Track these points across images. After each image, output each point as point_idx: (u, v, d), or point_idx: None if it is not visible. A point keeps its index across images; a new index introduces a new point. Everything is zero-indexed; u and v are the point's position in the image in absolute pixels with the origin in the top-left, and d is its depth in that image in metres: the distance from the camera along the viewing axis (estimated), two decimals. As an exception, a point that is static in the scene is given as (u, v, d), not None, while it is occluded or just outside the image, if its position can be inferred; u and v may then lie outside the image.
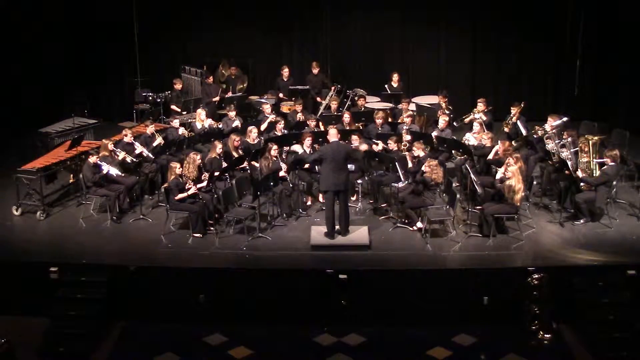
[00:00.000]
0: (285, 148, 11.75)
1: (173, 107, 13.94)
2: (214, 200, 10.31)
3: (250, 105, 14.32)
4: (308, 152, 11.09)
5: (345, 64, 15.75)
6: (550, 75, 15.59)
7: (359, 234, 9.95)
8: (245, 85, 15.06)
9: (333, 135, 9.91)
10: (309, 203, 11.12)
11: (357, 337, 8.91)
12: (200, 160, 10.28)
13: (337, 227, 9.87)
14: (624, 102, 14.57)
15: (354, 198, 11.07)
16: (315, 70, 14.61)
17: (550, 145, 11.01)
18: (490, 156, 10.84)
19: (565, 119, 11.77)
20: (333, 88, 14.06)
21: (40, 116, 13.43)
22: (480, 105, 12.78)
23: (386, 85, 14.29)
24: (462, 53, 15.70)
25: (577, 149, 10.71)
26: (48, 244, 10.04)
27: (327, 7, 15.44)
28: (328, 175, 9.66)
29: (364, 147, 10.85)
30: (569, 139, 10.84)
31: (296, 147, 11.48)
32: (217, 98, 14.15)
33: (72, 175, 11.58)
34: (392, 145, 11.26)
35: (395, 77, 14.31)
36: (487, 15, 15.35)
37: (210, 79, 14.43)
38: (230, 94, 14.51)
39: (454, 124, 12.44)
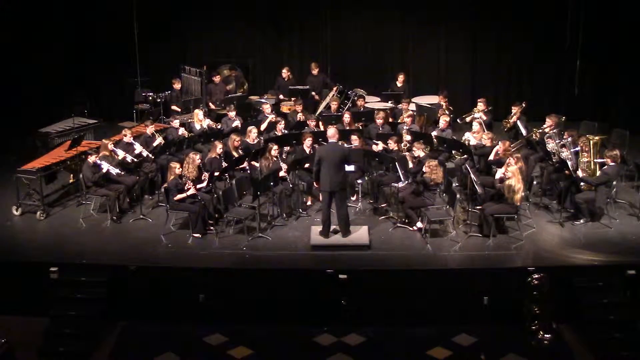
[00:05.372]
0: (286, 148, 11.76)
1: (174, 107, 13.95)
2: (214, 200, 10.31)
3: (250, 105, 14.33)
4: (308, 152, 11.09)
5: (345, 64, 15.76)
6: (550, 75, 15.59)
7: (359, 234, 9.95)
8: (232, 89, 14.96)
9: (331, 135, 9.90)
10: (309, 203, 11.11)
11: (357, 337, 8.91)
12: (200, 160, 10.27)
13: (335, 227, 9.88)
14: (624, 102, 14.57)
15: (354, 198, 11.07)
16: (315, 71, 14.61)
17: (550, 145, 11.01)
18: (491, 157, 10.84)
19: (563, 118, 11.81)
20: (335, 88, 14.06)
21: (40, 116, 13.43)
22: (480, 105, 12.80)
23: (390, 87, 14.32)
24: (462, 53, 15.71)
25: (577, 148, 10.71)
26: (48, 244, 10.02)
27: (327, 7, 15.44)
28: (324, 175, 9.65)
29: (356, 142, 10.89)
30: (569, 139, 10.84)
31: None
32: (211, 106, 14.14)
33: (72, 175, 11.58)
34: (393, 145, 11.26)
35: (401, 77, 14.33)
36: (487, 15, 15.35)
37: (218, 78, 14.43)
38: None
39: (457, 120, 12.43)
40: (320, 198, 10.89)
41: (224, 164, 10.88)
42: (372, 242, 9.78)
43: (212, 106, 14.19)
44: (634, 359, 8.50)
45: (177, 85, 14.21)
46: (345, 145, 10.83)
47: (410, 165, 10.65)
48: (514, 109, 12.37)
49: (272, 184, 10.28)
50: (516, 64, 15.59)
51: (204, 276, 9.22)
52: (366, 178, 11.37)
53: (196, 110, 12.70)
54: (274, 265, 9.37)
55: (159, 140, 11.67)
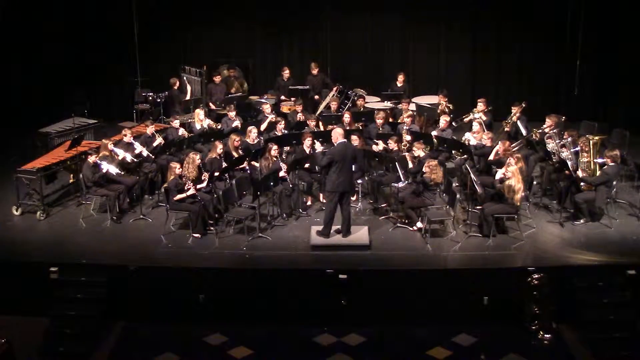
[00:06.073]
0: (286, 148, 11.75)
1: (175, 108, 13.91)
2: (214, 200, 10.31)
3: (250, 105, 14.33)
4: (308, 152, 11.08)
5: (345, 64, 15.76)
6: (550, 75, 15.59)
7: (359, 234, 9.95)
8: (238, 89, 14.93)
9: (340, 135, 9.83)
10: (309, 203, 11.11)
11: (357, 337, 8.91)
12: (200, 161, 10.27)
13: (337, 227, 9.88)
14: (624, 102, 14.58)
15: (354, 198, 11.05)
16: (315, 71, 14.61)
17: (550, 145, 11.01)
18: (491, 157, 10.84)
19: (563, 118, 11.82)
20: (335, 88, 14.07)
21: (40, 116, 13.44)
22: (480, 105, 12.80)
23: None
24: (462, 53, 15.71)
25: (577, 148, 10.71)
26: (48, 244, 10.02)
27: (327, 7, 15.45)
28: (337, 176, 9.58)
29: (356, 142, 10.97)
30: (569, 139, 10.84)
31: (318, 146, 11.18)
32: (212, 106, 14.13)
33: (72, 175, 11.58)
34: (393, 145, 11.26)
35: (401, 77, 14.32)
36: (487, 15, 15.36)
37: (218, 78, 14.43)
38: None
39: (453, 124, 12.44)
40: (322, 198, 10.94)
41: (224, 164, 10.88)
42: (372, 242, 9.78)
43: (213, 106, 14.19)
44: (634, 359, 8.50)
45: (177, 84, 14.20)
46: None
47: (410, 165, 10.65)
48: (514, 109, 12.37)
49: (272, 184, 10.28)
50: (516, 64, 15.59)
51: (204, 276, 9.22)
52: (366, 178, 11.37)
53: (197, 110, 12.69)
54: (274, 265, 9.36)
55: (159, 140, 11.66)
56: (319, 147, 10.91)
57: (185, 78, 14.52)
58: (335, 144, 9.80)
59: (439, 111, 12.95)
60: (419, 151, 10.63)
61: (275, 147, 10.86)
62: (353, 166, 10.16)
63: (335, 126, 11.67)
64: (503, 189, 9.66)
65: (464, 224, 10.29)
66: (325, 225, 9.82)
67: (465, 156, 11.28)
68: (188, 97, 14.25)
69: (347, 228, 9.86)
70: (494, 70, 15.71)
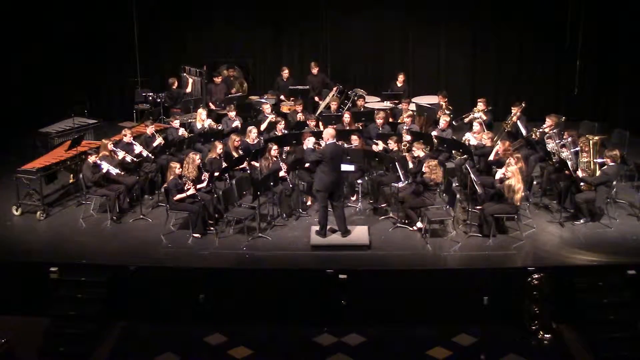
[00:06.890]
0: (286, 148, 11.75)
1: (176, 109, 13.94)
2: (214, 200, 10.31)
3: (250, 105, 14.33)
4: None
5: (345, 64, 15.76)
6: (550, 75, 15.59)
7: (359, 234, 9.95)
8: (238, 89, 14.91)
9: (331, 136, 9.86)
10: (309, 203, 11.11)
11: (357, 337, 8.91)
12: (200, 160, 10.27)
13: (331, 226, 9.92)
14: (624, 102, 14.58)
15: (354, 198, 11.08)
16: (314, 71, 14.60)
17: (550, 145, 11.01)
18: (491, 157, 10.84)
19: (563, 118, 11.81)
20: (335, 88, 14.06)
21: (40, 116, 13.43)
22: (480, 105, 12.80)
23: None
24: (462, 53, 15.70)
25: (577, 148, 10.71)
26: (48, 244, 10.03)
27: (327, 7, 15.44)
28: (327, 175, 9.64)
29: (356, 142, 11.00)
30: (569, 139, 10.85)
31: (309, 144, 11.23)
32: (212, 106, 14.14)
33: (72, 175, 11.58)
34: (393, 145, 11.26)
35: (401, 77, 14.31)
36: (487, 15, 15.36)
37: (218, 78, 14.43)
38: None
39: (454, 122, 12.44)
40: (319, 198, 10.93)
41: (224, 164, 10.88)
42: (372, 242, 9.78)
43: (212, 106, 14.19)
44: (634, 359, 8.50)
45: (175, 84, 14.20)
46: (345, 145, 10.89)
47: (410, 165, 10.65)
48: (513, 110, 12.37)
49: (272, 184, 10.28)
50: (516, 64, 15.58)
51: (204, 276, 9.22)
52: (366, 178, 11.37)
53: (199, 110, 12.71)
54: (274, 265, 9.37)
55: (159, 140, 11.66)
56: (310, 144, 10.88)
57: (184, 75, 14.54)
58: (326, 144, 9.83)
59: (439, 112, 12.94)
60: (419, 151, 10.62)
61: (275, 147, 10.87)
62: (352, 166, 10.15)
63: (331, 127, 11.67)
64: (503, 189, 9.66)
65: (464, 224, 10.29)
66: (321, 225, 9.85)
67: (465, 156, 11.28)
68: (189, 89, 14.26)
69: (345, 227, 9.86)
70: (494, 70, 15.70)
